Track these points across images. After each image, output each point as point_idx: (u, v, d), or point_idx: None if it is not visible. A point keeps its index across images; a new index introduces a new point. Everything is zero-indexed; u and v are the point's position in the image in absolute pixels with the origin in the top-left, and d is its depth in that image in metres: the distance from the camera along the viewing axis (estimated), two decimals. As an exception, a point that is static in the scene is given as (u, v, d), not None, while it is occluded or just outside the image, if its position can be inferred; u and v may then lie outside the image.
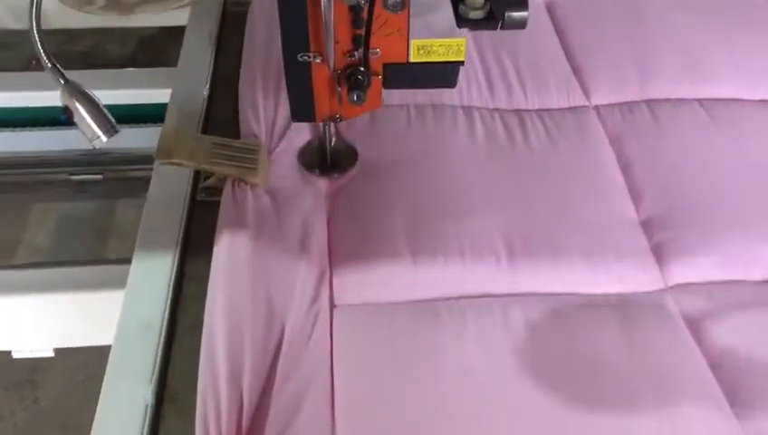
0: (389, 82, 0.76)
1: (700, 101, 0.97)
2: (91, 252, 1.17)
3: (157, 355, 0.66)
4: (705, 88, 0.99)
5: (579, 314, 0.75)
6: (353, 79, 0.73)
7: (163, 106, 0.95)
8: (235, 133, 0.90)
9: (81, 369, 1.45)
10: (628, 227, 0.83)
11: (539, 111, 0.96)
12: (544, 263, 0.79)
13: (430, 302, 0.76)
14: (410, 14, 0.70)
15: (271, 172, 0.85)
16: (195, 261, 0.75)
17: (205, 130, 0.91)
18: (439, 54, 0.73)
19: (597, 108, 0.97)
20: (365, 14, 0.68)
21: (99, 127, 0.71)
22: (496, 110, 0.96)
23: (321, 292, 0.75)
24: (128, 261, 0.75)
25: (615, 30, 1.08)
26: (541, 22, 1.10)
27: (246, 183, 0.82)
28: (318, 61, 0.73)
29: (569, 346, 0.72)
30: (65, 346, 0.95)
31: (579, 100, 0.98)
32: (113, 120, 0.71)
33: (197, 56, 1.01)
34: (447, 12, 0.68)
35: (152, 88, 1.11)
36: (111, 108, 0.71)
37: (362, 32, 0.70)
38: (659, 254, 0.81)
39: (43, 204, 1.26)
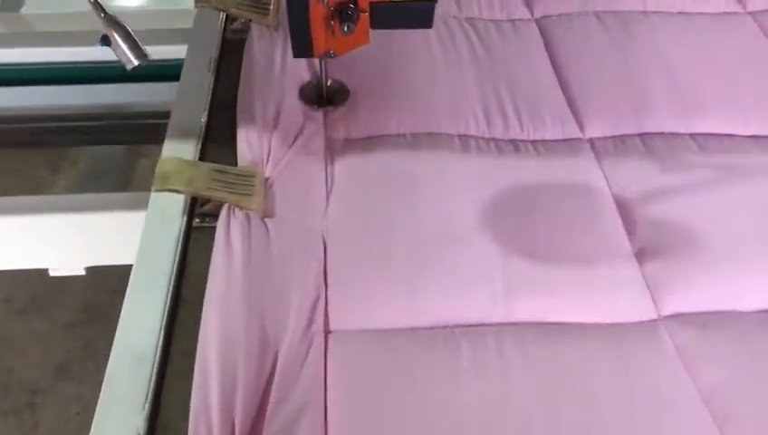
0: (375, 21, 0.88)
1: (692, 135, 0.98)
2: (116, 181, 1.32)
3: (150, 383, 0.66)
4: (697, 122, 1.00)
5: (572, 343, 0.75)
6: (344, 14, 0.86)
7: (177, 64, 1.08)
8: (233, 159, 0.90)
9: (77, 401, 1.46)
10: (622, 258, 0.84)
11: (534, 142, 0.97)
12: (538, 293, 0.79)
13: (425, 330, 0.76)
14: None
15: (268, 197, 0.86)
16: (190, 287, 0.75)
17: (203, 157, 0.92)
18: None
19: (591, 140, 0.98)
20: None
21: (131, 52, 0.90)
22: (492, 139, 0.97)
23: (316, 317, 0.75)
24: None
25: (609, 62, 1.09)
26: (537, 54, 1.12)
27: (242, 209, 0.82)
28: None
29: (562, 376, 0.72)
30: (95, 265, 1.09)
31: (573, 132, 0.99)
32: (144, 47, 0.90)
33: (196, 83, 1.02)
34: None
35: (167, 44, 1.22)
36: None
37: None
38: (652, 284, 0.81)
39: (73, 148, 1.41)
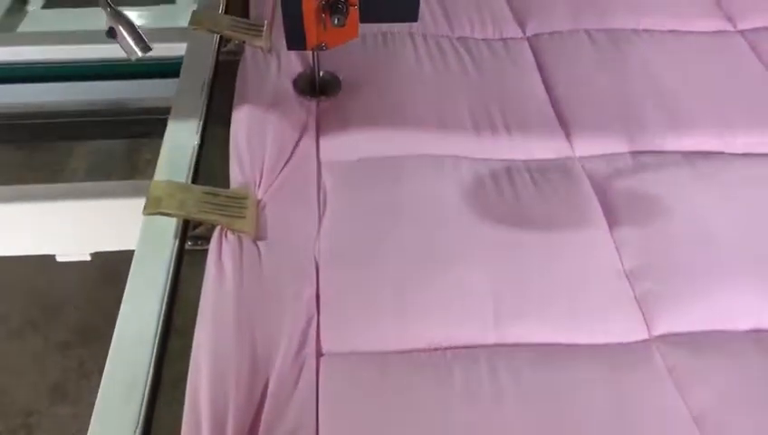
0: (364, 15, 0.95)
1: (683, 153, 0.99)
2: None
3: (141, 411, 0.66)
4: (687, 140, 1.00)
5: (564, 364, 0.75)
6: (335, 7, 0.91)
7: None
8: (226, 181, 0.91)
9: (73, 422, 1.46)
10: (613, 278, 0.84)
11: (525, 162, 0.97)
12: (530, 314, 0.79)
13: (417, 352, 0.76)
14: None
15: (261, 218, 0.86)
16: (182, 313, 0.75)
17: (195, 179, 0.92)
18: None
19: (582, 159, 0.99)
20: None
21: (135, 44, 0.96)
22: (484, 160, 0.97)
23: (308, 340, 0.75)
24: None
25: (601, 81, 1.10)
26: (528, 73, 1.13)
27: (234, 232, 0.83)
28: None
29: (554, 397, 0.72)
30: (100, 250, 1.14)
31: (565, 151, 1.00)
32: (146, 39, 0.96)
33: (189, 105, 1.02)
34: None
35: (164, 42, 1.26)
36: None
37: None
38: (644, 304, 0.81)
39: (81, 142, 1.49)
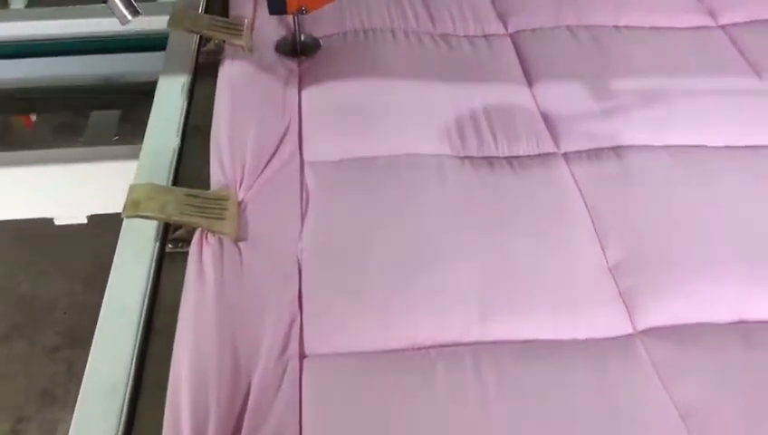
0: None
1: (666, 147, 0.99)
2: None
3: (121, 415, 0.65)
4: (669, 135, 1.00)
5: (549, 361, 0.75)
6: None
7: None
8: (206, 183, 0.90)
9: (63, 426, 1.45)
10: (597, 273, 0.84)
11: (509, 158, 0.97)
12: (514, 310, 0.79)
13: (401, 352, 0.75)
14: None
15: (243, 219, 0.85)
16: (162, 317, 0.75)
17: (176, 181, 0.92)
18: None
19: (566, 154, 0.98)
20: None
21: (126, 9, 0.98)
22: (467, 157, 0.97)
23: (291, 342, 0.75)
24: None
25: (583, 76, 1.10)
26: (511, 69, 1.12)
27: (215, 234, 0.82)
28: None
29: (539, 394, 0.72)
30: (97, 213, 1.18)
31: (548, 147, 0.99)
32: (135, 5, 0.98)
33: (169, 106, 1.02)
34: None
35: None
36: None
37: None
38: (628, 299, 0.81)
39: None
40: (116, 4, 0.97)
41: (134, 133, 1.17)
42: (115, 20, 0.97)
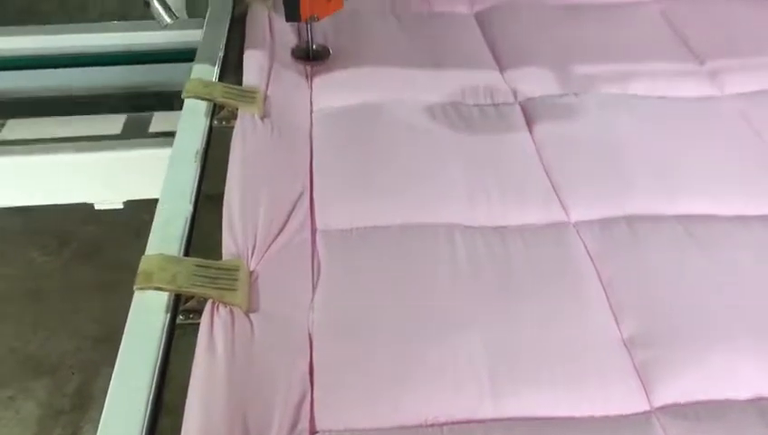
0: None
1: (677, 217, 0.99)
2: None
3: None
4: (681, 204, 1.01)
5: (564, 440, 0.74)
6: None
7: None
8: (219, 251, 0.90)
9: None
10: (612, 346, 0.83)
11: (520, 228, 0.97)
12: (528, 386, 0.78)
13: (413, 428, 0.74)
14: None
15: (254, 290, 0.85)
16: (172, 392, 0.74)
17: (188, 249, 0.92)
18: None
19: (576, 224, 0.98)
20: None
21: (165, 13, 1.31)
22: (478, 228, 0.97)
23: (302, 417, 0.73)
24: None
25: (592, 144, 1.11)
26: (520, 137, 1.13)
27: (226, 305, 0.82)
28: None
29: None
30: (133, 198, 1.34)
31: (558, 216, 0.99)
32: (173, 10, 1.32)
33: (183, 173, 1.02)
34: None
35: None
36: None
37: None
38: (644, 374, 0.80)
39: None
40: (157, 9, 1.26)
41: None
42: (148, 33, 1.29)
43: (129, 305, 0.83)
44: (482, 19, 1.45)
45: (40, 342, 1.79)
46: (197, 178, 1.03)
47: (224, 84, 1.19)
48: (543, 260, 0.92)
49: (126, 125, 1.48)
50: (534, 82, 1.25)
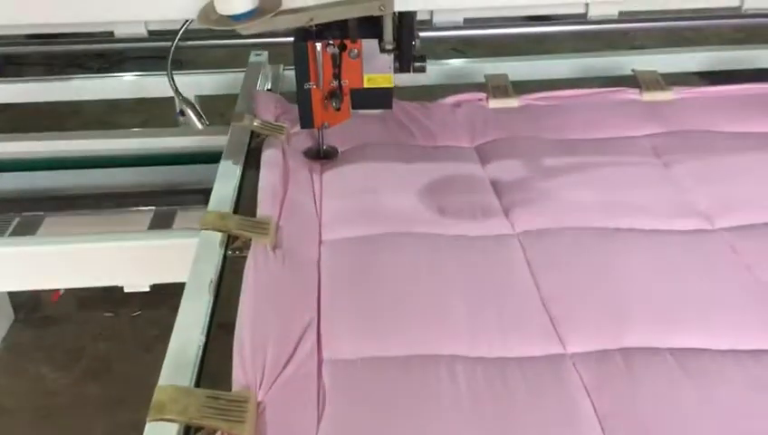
0: (354, 102, 1.40)
1: (671, 350, 1.02)
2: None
3: None
4: (674, 338, 1.04)
5: None
6: (333, 95, 1.36)
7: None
8: (229, 381, 0.94)
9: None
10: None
11: (519, 360, 1.01)
12: None
13: None
14: (362, 60, 1.33)
15: (261, 421, 0.88)
16: None
17: (199, 379, 0.95)
18: (378, 82, 1.36)
19: (573, 356, 1.02)
20: (339, 60, 1.33)
21: (198, 120, 1.66)
22: (478, 358, 1.01)
23: None
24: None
25: (587, 278, 1.15)
26: (518, 269, 1.18)
27: (233, 436, 0.85)
28: (315, 87, 1.37)
29: None
30: (157, 282, 1.46)
31: (555, 348, 1.03)
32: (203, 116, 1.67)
33: (196, 304, 1.07)
34: (384, 57, 1.33)
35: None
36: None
37: (337, 70, 1.35)
38: None
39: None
40: (190, 116, 1.58)
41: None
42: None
43: (138, 422, 0.86)
44: (482, 154, 1.54)
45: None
46: (210, 308, 1.08)
47: (239, 216, 1.26)
48: (541, 392, 0.95)
49: (153, 220, 1.65)
50: (533, 214, 1.31)
